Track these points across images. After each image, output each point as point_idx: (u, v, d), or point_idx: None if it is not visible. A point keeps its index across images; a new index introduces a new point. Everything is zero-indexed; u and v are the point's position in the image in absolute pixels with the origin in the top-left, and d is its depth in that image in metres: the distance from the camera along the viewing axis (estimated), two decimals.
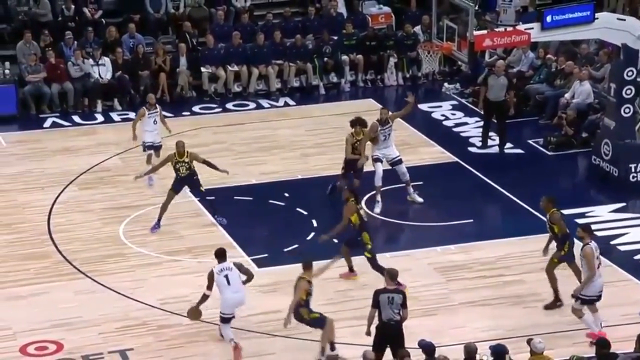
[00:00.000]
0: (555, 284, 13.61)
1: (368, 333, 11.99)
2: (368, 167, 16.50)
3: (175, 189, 15.75)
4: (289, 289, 12.99)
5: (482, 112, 19.54)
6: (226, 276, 12.76)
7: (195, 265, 14.69)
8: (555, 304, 13.61)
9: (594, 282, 12.74)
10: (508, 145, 18.96)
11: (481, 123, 19.55)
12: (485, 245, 15.32)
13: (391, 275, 12.04)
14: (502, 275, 14.47)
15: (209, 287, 12.81)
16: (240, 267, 12.98)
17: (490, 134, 19.03)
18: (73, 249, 15.25)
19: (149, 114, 17.49)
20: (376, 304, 11.85)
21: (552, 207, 13.61)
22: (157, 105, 17.71)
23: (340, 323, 12.94)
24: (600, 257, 12.85)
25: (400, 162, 16.49)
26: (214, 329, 13.18)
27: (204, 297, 12.89)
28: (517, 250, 15.03)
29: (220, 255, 12.95)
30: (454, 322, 13.35)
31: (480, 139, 19.18)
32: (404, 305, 11.86)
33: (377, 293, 11.90)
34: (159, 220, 15.71)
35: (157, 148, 17.61)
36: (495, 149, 18.89)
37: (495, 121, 18.97)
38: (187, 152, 15.72)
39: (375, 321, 11.91)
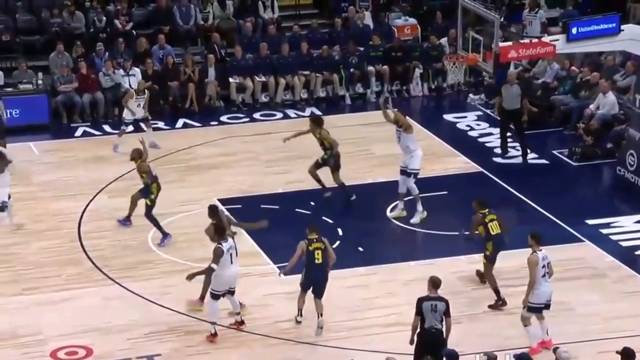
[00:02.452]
0: (494, 284, 13.91)
1: (412, 342, 11.89)
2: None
3: (141, 192, 15.85)
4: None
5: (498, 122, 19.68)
6: (231, 254, 13.04)
7: None
8: (497, 303, 13.84)
9: (540, 290, 12.73)
10: (533, 155, 19.02)
11: None
12: (510, 254, 15.24)
13: (434, 283, 12.04)
14: (526, 285, 14.45)
15: (216, 263, 12.96)
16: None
17: (511, 142, 19.10)
18: (103, 256, 15.46)
19: (136, 98, 19.09)
20: (419, 312, 11.79)
21: (479, 209, 14.02)
22: (145, 91, 19.27)
23: (365, 330, 13.09)
24: (551, 266, 12.85)
25: (409, 175, 16.24)
26: (241, 336, 13.36)
27: (209, 270, 13.02)
28: None
29: (221, 232, 13.18)
30: (479, 331, 13.41)
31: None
32: (447, 313, 11.83)
33: (421, 300, 11.84)
34: (128, 217, 16.07)
35: (144, 120, 19.43)
36: (519, 159, 18.98)
37: (514, 128, 19.05)
38: (138, 162, 15.71)
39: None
